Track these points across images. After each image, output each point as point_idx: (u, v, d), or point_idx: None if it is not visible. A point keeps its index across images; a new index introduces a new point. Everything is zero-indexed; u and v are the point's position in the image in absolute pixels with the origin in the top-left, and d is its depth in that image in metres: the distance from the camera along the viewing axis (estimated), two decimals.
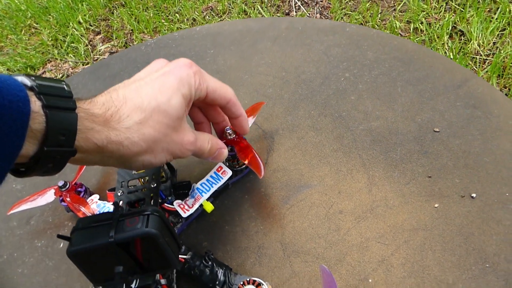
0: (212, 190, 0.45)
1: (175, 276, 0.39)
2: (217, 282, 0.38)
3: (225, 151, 0.41)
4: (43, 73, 1.69)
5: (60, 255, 0.47)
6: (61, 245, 0.48)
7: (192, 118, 0.42)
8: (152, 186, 0.41)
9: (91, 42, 1.75)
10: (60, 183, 0.47)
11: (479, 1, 1.38)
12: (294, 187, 0.46)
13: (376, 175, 0.44)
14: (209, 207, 0.44)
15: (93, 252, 0.31)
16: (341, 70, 0.57)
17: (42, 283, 0.45)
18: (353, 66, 0.57)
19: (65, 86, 0.30)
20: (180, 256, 0.40)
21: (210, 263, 0.39)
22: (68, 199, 0.46)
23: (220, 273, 0.38)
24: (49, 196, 0.47)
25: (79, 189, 0.48)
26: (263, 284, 0.36)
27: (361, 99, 0.52)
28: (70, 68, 1.66)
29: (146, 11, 1.77)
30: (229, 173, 0.46)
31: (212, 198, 0.45)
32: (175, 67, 0.35)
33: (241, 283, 0.36)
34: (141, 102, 0.32)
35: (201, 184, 0.45)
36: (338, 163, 0.47)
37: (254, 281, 0.36)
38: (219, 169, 0.45)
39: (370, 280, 0.37)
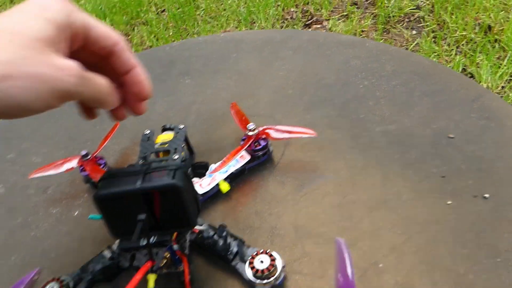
0: (229, 172, 0.46)
1: (188, 244, 0.39)
2: (229, 253, 0.38)
3: (117, 96, 0.34)
4: None
5: (75, 222, 0.47)
6: (76, 213, 0.48)
7: None
8: (174, 159, 0.43)
9: None
10: (83, 153, 0.48)
11: (488, 48, 1.43)
12: (309, 177, 0.47)
13: (391, 172, 0.46)
14: (225, 187, 0.45)
15: (118, 199, 0.32)
16: (359, 79, 0.59)
17: (54, 247, 0.45)
18: (372, 76, 0.59)
19: None
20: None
21: (224, 234, 0.39)
22: (88, 168, 0.47)
23: (234, 245, 0.39)
24: (72, 164, 0.48)
25: (100, 161, 0.50)
26: (276, 257, 0.36)
27: (379, 104, 0.54)
28: None
29: (166, 30, 1.83)
30: (247, 157, 0.47)
31: (229, 180, 0.46)
32: None
33: (254, 253, 0.37)
34: None
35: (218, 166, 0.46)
36: (354, 159, 0.48)
37: (267, 252, 0.37)
38: (237, 152, 0.47)
39: (380, 265, 0.38)
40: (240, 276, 0.38)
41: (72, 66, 0.28)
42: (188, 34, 1.78)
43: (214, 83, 0.64)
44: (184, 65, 0.69)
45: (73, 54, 0.31)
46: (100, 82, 0.31)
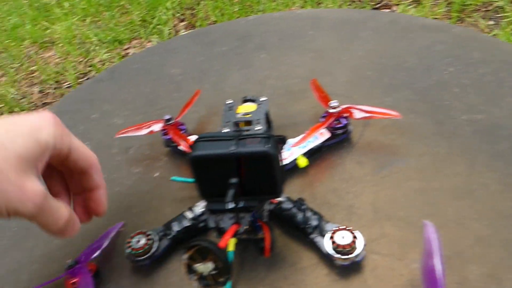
0: (308, 147, 0.46)
1: (267, 213, 0.40)
2: (307, 225, 0.39)
3: (78, 226, 0.36)
4: (128, 48, 1.80)
5: (155, 183, 0.50)
6: (156, 174, 0.51)
7: (49, 188, 0.37)
8: (257, 129, 0.43)
9: (175, 27, 1.85)
10: (167, 117, 0.50)
11: None
12: (389, 160, 0.46)
13: (478, 162, 0.44)
14: (303, 162, 0.46)
15: (212, 161, 0.34)
16: (444, 64, 0.57)
17: (137, 203, 0.48)
18: (458, 63, 0.57)
19: None
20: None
21: (303, 207, 0.40)
22: (171, 132, 0.49)
23: (313, 218, 0.39)
24: (156, 127, 0.51)
25: (181, 126, 0.51)
26: (357, 235, 0.36)
27: (465, 92, 0.52)
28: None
29: (231, 6, 1.84)
30: (327, 135, 0.47)
31: (307, 155, 0.46)
32: (34, 114, 0.32)
33: (335, 228, 0.37)
34: None
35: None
36: (437, 145, 0.46)
37: (348, 228, 0.37)
38: (318, 129, 0.47)
39: (465, 255, 0.37)
40: (317, 249, 0.39)
41: (36, 194, 0.29)
42: (252, 11, 1.78)
43: (289, 59, 0.64)
44: (259, 40, 0.69)
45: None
46: (58, 217, 0.32)
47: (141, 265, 0.41)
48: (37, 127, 0.31)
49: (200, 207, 0.43)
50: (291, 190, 0.45)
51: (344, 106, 0.47)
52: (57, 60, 1.88)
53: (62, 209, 0.33)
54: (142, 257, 0.40)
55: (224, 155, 0.33)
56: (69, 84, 1.72)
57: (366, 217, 0.41)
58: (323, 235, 0.38)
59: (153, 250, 0.40)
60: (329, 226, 0.39)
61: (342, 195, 0.43)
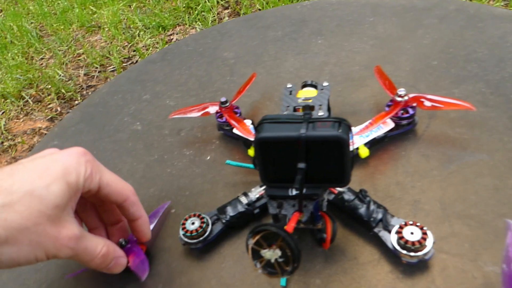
0: (370, 137, 0.44)
1: (326, 203, 0.38)
2: (371, 219, 0.37)
3: (123, 261, 0.36)
4: (171, 34, 1.81)
5: (207, 165, 0.49)
6: (208, 157, 0.50)
7: (85, 223, 0.38)
8: (320, 115, 0.41)
9: (218, 15, 1.84)
10: (223, 99, 0.49)
11: None
12: (458, 154, 0.43)
13: None
14: (364, 152, 0.43)
15: (279, 144, 0.32)
16: None
17: (188, 185, 0.47)
18: None
19: None
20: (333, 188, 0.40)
21: (367, 199, 0.38)
22: (226, 115, 0.48)
23: (378, 212, 0.37)
24: (211, 109, 0.49)
25: (236, 109, 0.50)
26: (427, 231, 0.34)
27: None
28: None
29: None
30: (391, 125, 0.44)
31: (368, 145, 0.44)
32: (65, 153, 0.32)
33: (402, 223, 0.35)
34: (11, 184, 0.28)
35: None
36: None
37: (418, 224, 0.34)
38: (383, 118, 0.44)
39: None
40: (380, 244, 0.37)
41: (71, 238, 0.30)
42: (298, 1, 1.74)
43: (348, 45, 0.61)
44: (316, 25, 0.66)
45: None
46: (91, 254, 0.33)
47: (194, 248, 0.40)
48: (67, 169, 0.31)
49: (255, 193, 0.42)
50: (351, 180, 0.42)
51: (412, 95, 0.44)
52: (102, 44, 1.92)
53: (98, 246, 0.33)
54: (195, 240, 0.39)
55: (293, 138, 0.31)
56: (113, 68, 1.75)
57: (433, 213, 0.38)
58: (388, 230, 0.36)
59: (206, 233, 0.39)
60: (395, 221, 0.36)
61: (407, 189, 0.41)
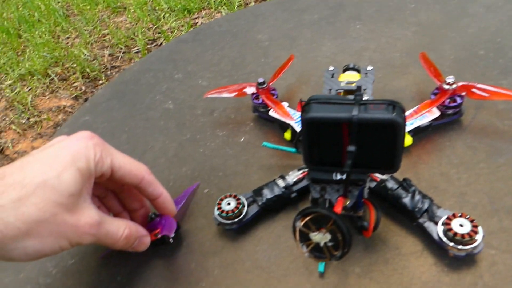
0: (414, 125, 0.42)
1: (368, 191, 0.36)
2: (416, 209, 0.35)
3: (147, 240, 0.36)
4: (196, 18, 1.80)
5: (241, 147, 0.48)
6: (242, 139, 0.49)
7: (108, 209, 0.38)
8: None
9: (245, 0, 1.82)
10: (260, 80, 0.47)
11: None
12: (506, 147, 0.41)
13: None
14: (407, 140, 0.42)
15: (327, 125, 0.31)
16: None
17: (221, 166, 0.46)
18: None
19: None
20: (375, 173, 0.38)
21: (412, 188, 0.36)
22: (263, 96, 0.47)
23: (423, 202, 0.35)
24: (248, 90, 0.48)
25: (273, 91, 0.49)
26: (478, 224, 0.32)
27: None
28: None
29: None
30: (436, 113, 0.43)
31: (412, 133, 0.42)
32: (72, 139, 0.32)
33: (450, 214, 0.33)
34: (23, 177, 0.28)
35: None
36: None
37: (468, 216, 0.33)
38: (430, 106, 0.42)
39: None
40: (424, 235, 0.35)
41: (91, 225, 0.30)
42: None
43: (388, 31, 0.59)
44: (354, 10, 0.64)
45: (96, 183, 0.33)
46: (113, 237, 0.32)
47: (228, 229, 0.39)
48: (76, 155, 0.30)
49: (292, 176, 0.40)
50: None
51: (461, 83, 0.42)
52: (127, 25, 1.92)
53: (120, 229, 0.33)
54: (231, 221, 0.38)
55: (344, 120, 0.29)
56: (137, 49, 1.75)
57: (481, 207, 0.37)
58: (434, 221, 0.34)
59: (242, 215, 0.38)
60: (442, 212, 0.35)
61: (452, 181, 0.39)
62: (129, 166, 0.34)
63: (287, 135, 0.46)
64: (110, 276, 0.39)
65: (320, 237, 0.26)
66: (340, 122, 0.30)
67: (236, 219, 0.38)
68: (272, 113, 0.47)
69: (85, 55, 1.75)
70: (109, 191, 0.38)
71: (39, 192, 0.28)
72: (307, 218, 0.26)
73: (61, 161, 0.30)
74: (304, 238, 0.27)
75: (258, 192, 0.40)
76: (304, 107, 0.32)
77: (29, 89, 1.64)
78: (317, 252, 0.27)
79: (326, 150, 0.32)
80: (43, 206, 0.28)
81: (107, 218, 0.32)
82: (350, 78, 0.43)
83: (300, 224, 0.26)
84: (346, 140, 0.30)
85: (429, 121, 0.42)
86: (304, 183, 0.40)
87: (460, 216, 0.33)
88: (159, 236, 0.38)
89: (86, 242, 0.31)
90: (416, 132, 0.43)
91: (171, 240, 0.39)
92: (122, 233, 0.33)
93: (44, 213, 0.28)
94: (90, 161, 0.31)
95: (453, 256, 0.33)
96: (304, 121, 0.31)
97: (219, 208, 0.38)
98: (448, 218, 0.33)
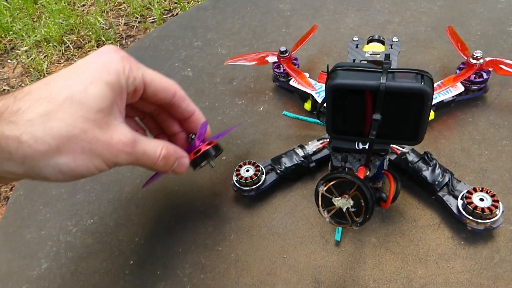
0: (437, 100, 0.41)
1: (387, 163, 0.36)
2: (436, 182, 0.35)
3: (186, 161, 0.34)
4: None
5: (260, 116, 0.48)
6: (261, 108, 0.49)
7: (149, 130, 0.37)
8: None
9: None
10: (282, 48, 0.47)
11: None
12: None
13: None
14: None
15: (354, 93, 0.30)
16: None
17: (240, 134, 0.46)
18: None
19: None
20: (395, 146, 0.38)
21: (433, 162, 0.36)
22: (285, 65, 0.46)
23: (443, 175, 0.35)
24: (270, 58, 0.48)
25: (295, 61, 0.48)
26: (498, 200, 0.32)
27: None
28: None
29: None
30: (460, 88, 0.42)
31: (434, 107, 0.42)
32: (97, 53, 0.30)
33: (471, 188, 0.33)
34: (49, 92, 0.27)
35: None
36: None
37: (489, 191, 0.32)
38: (455, 80, 0.41)
39: None
40: (441, 209, 0.35)
41: (125, 143, 0.29)
42: None
43: (414, 5, 0.57)
44: None
45: (131, 105, 0.32)
46: (151, 157, 0.31)
47: (246, 196, 0.40)
48: (104, 69, 0.28)
49: (312, 146, 0.40)
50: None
51: (489, 59, 0.41)
52: None
53: (157, 148, 0.31)
54: (249, 188, 0.39)
55: (372, 87, 0.29)
56: (153, 19, 1.73)
57: (501, 183, 0.36)
58: (454, 195, 0.34)
59: (260, 182, 0.39)
60: (462, 186, 0.35)
61: (473, 157, 0.39)
62: (160, 80, 0.32)
63: (307, 105, 0.46)
64: (128, 237, 0.40)
65: (343, 202, 0.26)
66: (367, 89, 0.29)
67: (254, 186, 0.38)
68: (292, 83, 0.47)
69: (101, 23, 1.75)
70: (146, 114, 0.37)
71: (66, 107, 0.26)
72: (331, 183, 0.26)
73: (87, 75, 0.28)
74: (326, 203, 0.27)
75: (277, 160, 0.40)
76: (330, 74, 0.31)
77: (45, 56, 1.65)
78: (338, 218, 0.28)
79: (350, 119, 0.32)
80: (72, 122, 0.26)
81: (143, 138, 0.31)
82: (375, 49, 0.42)
83: (323, 188, 0.27)
84: (370, 109, 0.30)
85: (453, 96, 0.42)
86: (323, 153, 0.40)
87: (481, 191, 0.33)
88: (201, 152, 0.36)
89: (123, 161, 0.29)
90: (439, 107, 0.42)
91: (212, 164, 0.37)
92: (160, 152, 0.31)
93: (74, 128, 0.26)
94: (120, 75, 0.29)
95: (471, 230, 0.33)
96: (330, 88, 0.30)
97: (237, 175, 0.39)
98: (468, 192, 0.33)
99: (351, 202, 0.26)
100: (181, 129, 0.37)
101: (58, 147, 0.26)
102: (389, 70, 0.30)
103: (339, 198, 0.26)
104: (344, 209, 0.26)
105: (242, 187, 0.39)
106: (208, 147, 0.36)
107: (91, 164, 0.28)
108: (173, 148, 0.33)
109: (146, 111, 0.37)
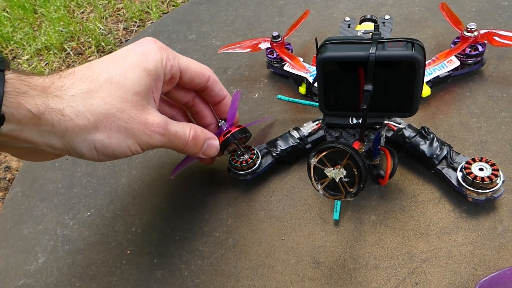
0: (432, 75, 0.41)
1: (384, 139, 0.36)
2: (435, 156, 0.34)
3: (215, 143, 0.36)
4: None
5: (255, 103, 0.47)
6: (256, 95, 0.48)
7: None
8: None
9: None
10: (275, 34, 0.46)
11: None
12: None
13: None
14: (425, 90, 0.40)
15: (345, 65, 0.30)
16: None
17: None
18: None
19: None
20: (391, 123, 0.38)
21: (431, 135, 0.35)
22: (278, 50, 0.46)
23: (441, 148, 0.34)
24: (263, 45, 0.47)
25: (288, 46, 0.48)
26: (498, 169, 0.31)
27: None
28: None
29: None
30: (456, 63, 0.41)
31: (430, 84, 0.41)
32: (137, 44, 0.32)
33: (470, 159, 0.32)
34: (91, 73, 0.28)
35: None
36: None
37: (488, 160, 0.32)
38: (449, 55, 0.41)
39: None
40: (441, 183, 0.35)
41: (159, 124, 0.30)
42: None
43: None
44: None
45: (168, 96, 0.35)
46: (182, 138, 0.32)
47: (242, 180, 0.39)
48: (143, 56, 0.30)
49: (307, 128, 0.40)
50: (411, 120, 0.40)
51: (483, 31, 0.40)
52: None
53: (186, 130, 0.33)
54: (244, 172, 0.38)
55: (361, 58, 0.28)
56: (151, 22, 1.74)
57: (501, 154, 0.36)
58: (453, 167, 0.33)
59: (256, 165, 0.38)
60: (461, 158, 0.34)
61: (472, 130, 0.38)
62: (195, 66, 0.34)
63: (302, 89, 0.45)
64: (125, 227, 0.40)
65: (335, 172, 0.26)
66: (356, 61, 0.29)
67: (250, 170, 0.38)
68: (286, 67, 0.46)
69: (100, 29, 1.76)
70: (180, 109, 0.38)
71: (106, 87, 0.28)
72: (322, 154, 0.26)
73: (127, 61, 0.30)
74: (319, 176, 0.27)
75: (272, 143, 0.40)
76: (320, 48, 0.31)
77: (46, 64, 1.66)
78: (332, 190, 0.27)
79: (342, 93, 0.31)
80: (110, 100, 0.28)
81: (172, 120, 0.32)
82: (367, 27, 0.42)
83: (315, 160, 0.26)
84: (363, 82, 0.30)
85: (449, 71, 0.41)
86: (319, 134, 0.39)
87: (481, 160, 0.32)
88: (231, 133, 0.37)
89: (157, 143, 0.31)
90: (435, 83, 0.41)
91: (241, 150, 0.38)
92: (189, 133, 0.33)
93: (111, 107, 0.28)
94: (157, 63, 0.31)
95: (472, 201, 0.32)
96: (320, 62, 0.30)
97: (233, 159, 0.38)
98: (467, 163, 0.32)
99: (344, 172, 0.26)
100: (212, 121, 0.39)
101: (96, 123, 0.27)
102: (378, 41, 0.29)
103: (332, 168, 0.26)
104: (337, 180, 0.26)
105: (237, 171, 0.38)
106: (237, 129, 0.37)
107: (124, 144, 0.29)
108: (200, 129, 0.34)
109: (183, 101, 0.37)
